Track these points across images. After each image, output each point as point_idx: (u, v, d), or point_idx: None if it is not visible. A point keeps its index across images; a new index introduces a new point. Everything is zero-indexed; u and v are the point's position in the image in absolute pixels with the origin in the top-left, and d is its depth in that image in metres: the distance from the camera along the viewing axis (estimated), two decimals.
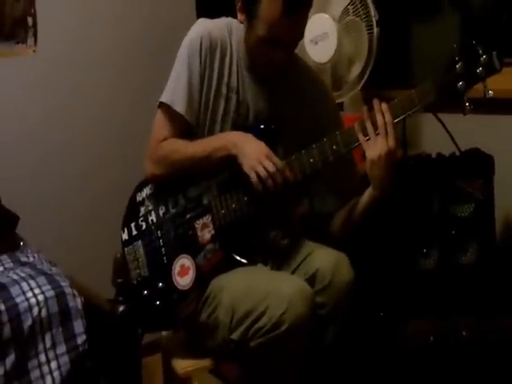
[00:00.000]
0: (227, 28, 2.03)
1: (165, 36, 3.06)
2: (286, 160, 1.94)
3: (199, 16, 3.08)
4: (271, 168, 1.88)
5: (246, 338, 1.85)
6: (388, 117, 1.88)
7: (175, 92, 2.00)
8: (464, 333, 2.22)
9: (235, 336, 1.87)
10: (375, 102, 1.90)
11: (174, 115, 2.01)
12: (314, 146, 1.93)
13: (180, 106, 1.99)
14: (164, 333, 2.21)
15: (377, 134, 1.88)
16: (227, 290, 1.91)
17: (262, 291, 1.84)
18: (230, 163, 1.94)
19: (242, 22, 1.98)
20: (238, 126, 2.03)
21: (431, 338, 2.24)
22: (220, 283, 1.94)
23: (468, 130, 2.42)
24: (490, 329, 2.22)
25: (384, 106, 1.89)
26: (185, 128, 2.02)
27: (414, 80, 2.94)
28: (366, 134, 1.90)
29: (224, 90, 2.03)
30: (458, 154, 2.43)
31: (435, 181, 2.40)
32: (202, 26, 2.02)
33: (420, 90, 1.89)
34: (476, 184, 2.37)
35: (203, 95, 2.01)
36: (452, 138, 2.42)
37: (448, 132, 2.42)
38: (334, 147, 1.92)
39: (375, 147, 1.88)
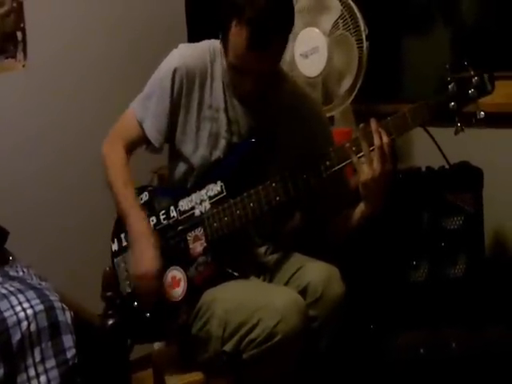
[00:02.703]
0: (209, 51, 2.04)
1: (155, 52, 3.05)
2: (280, 176, 1.94)
3: (190, 30, 3.14)
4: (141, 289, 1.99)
5: (238, 349, 1.85)
6: (385, 138, 1.86)
7: (145, 109, 2.06)
8: (454, 345, 2.22)
9: (228, 348, 1.88)
10: (372, 121, 1.88)
11: (138, 127, 2.07)
12: (306, 162, 1.94)
13: (146, 125, 2.06)
14: (156, 347, 2.20)
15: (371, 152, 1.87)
16: (220, 302, 1.91)
17: (255, 303, 1.84)
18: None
19: (220, 49, 1.99)
20: (232, 145, 2.04)
21: (421, 350, 2.24)
22: (212, 295, 1.94)
23: (457, 144, 2.42)
24: (479, 341, 2.23)
25: (379, 125, 1.88)
26: (140, 146, 2.11)
27: (405, 94, 2.97)
28: (358, 153, 1.89)
29: (207, 113, 2.04)
30: (447, 167, 2.44)
31: (425, 194, 2.41)
32: (179, 55, 2.04)
33: (413, 109, 1.91)
34: (465, 197, 2.38)
35: (179, 122, 2.04)
36: (441, 152, 2.42)
37: (437, 145, 2.43)
38: (328, 163, 1.92)
39: (370, 168, 1.87)
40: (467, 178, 2.40)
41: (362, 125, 1.91)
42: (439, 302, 2.32)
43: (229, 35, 1.86)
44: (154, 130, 2.06)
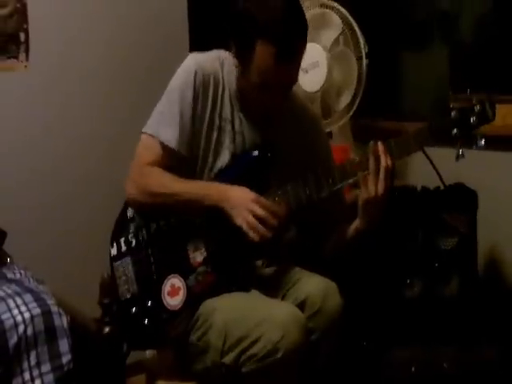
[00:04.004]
0: (219, 61, 2.05)
1: (157, 54, 3.09)
2: (282, 190, 1.96)
3: (192, 42, 3.15)
4: (262, 213, 1.88)
5: (238, 362, 1.85)
6: (389, 160, 1.91)
7: (165, 124, 1.99)
8: (445, 364, 2.25)
9: (227, 360, 1.88)
10: (380, 143, 1.92)
11: (161, 146, 2.00)
12: (309, 177, 1.96)
13: (168, 140, 1.98)
14: (148, 354, 2.20)
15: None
16: (220, 313, 1.91)
17: (256, 317, 1.85)
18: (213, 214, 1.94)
19: (236, 67, 1.98)
20: (235, 156, 2.04)
21: (412, 368, 2.26)
22: (212, 306, 1.94)
23: (452, 164, 2.45)
24: (470, 360, 2.26)
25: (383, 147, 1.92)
26: (172, 161, 2.01)
27: (403, 111, 3.01)
28: (364, 171, 1.92)
29: (217, 121, 2.04)
30: (442, 187, 2.47)
31: (420, 213, 2.44)
32: (195, 61, 2.02)
33: (416, 133, 1.95)
34: (460, 218, 2.42)
35: (195, 128, 2.01)
36: (438, 173, 2.46)
37: (434, 167, 2.46)
38: (331, 180, 1.95)
39: (374, 187, 1.91)
40: (462, 199, 2.44)
41: (371, 144, 1.93)
42: (432, 320, 2.35)
43: (253, 56, 1.87)
44: (183, 142, 2.00)
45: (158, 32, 3.10)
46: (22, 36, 2.80)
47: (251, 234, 1.88)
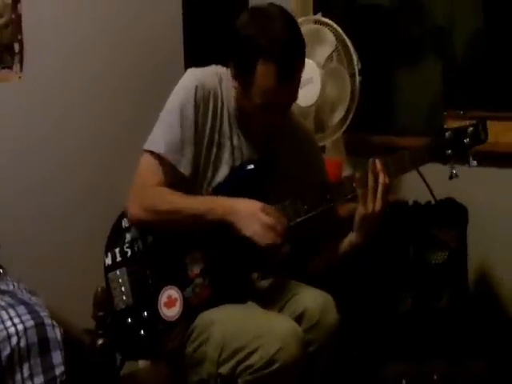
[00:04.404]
0: (217, 77, 2.06)
1: (153, 66, 3.10)
2: (281, 205, 1.97)
3: (187, 55, 3.17)
4: (270, 221, 1.89)
5: (234, 373, 1.86)
6: (387, 178, 1.95)
7: (166, 141, 1.99)
8: (435, 377, 2.26)
9: (223, 370, 1.88)
10: (377, 161, 1.96)
11: (164, 164, 2.00)
12: (307, 193, 1.98)
13: (171, 156, 1.98)
14: (141, 364, 2.20)
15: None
16: (218, 326, 1.91)
17: (254, 329, 1.86)
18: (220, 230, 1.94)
19: (235, 88, 1.99)
20: (232, 170, 2.05)
21: (403, 381, 2.28)
22: (210, 318, 1.95)
23: (444, 180, 2.48)
24: (460, 373, 2.28)
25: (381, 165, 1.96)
26: (175, 178, 2.01)
27: (395, 127, 3.04)
28: (363, 187, 1.96)
29: (217, 137, 2.05)
30: (433, 202, 2.50)
31: (411, 228, 2.47)
32: (194, 77, 2.03)
33: (412, 153, 2.01)
34: (450, 233, 2.45)
35: (197, 145, 2.02)
36: (429, 188, 2.48)
37: (425, 182, 2.48)
38: (328, 196, 1.98)
39: (372, 203, 1.94)
40: (453, 214, 2.46)
41: (370, 161, 1.96)
42: (423, 333, 2.36)
43: (254, 76, 1.89)
44: (188, 162, 2.01)
45: (154, 44, 3.11)
46: (17, 47, 2.80)
47: (262, 242, 1.89)
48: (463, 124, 2.00)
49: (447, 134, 1.98)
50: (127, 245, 2.08)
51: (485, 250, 2.57)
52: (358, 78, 2.72)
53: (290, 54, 1.89)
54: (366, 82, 2.75)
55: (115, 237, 2.11)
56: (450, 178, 2.01)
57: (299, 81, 1.97)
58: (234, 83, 1.99)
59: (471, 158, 2.00)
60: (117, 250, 2.10)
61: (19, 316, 2.04)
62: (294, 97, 1.99)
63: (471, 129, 1.99)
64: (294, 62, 1.91)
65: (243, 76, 1.94)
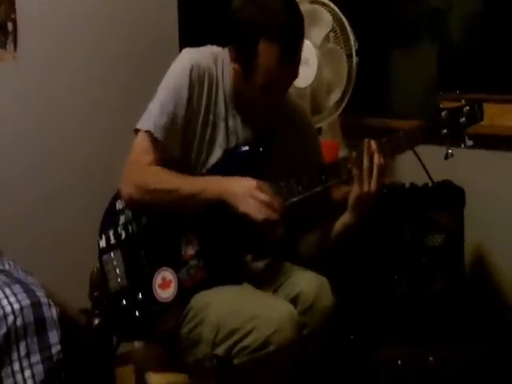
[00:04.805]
0: (212, 57, 2.04)
1: (148, 45, 3.08)
2: (276, 186, 1.96)
3: (182, 36, 3.15)
4: (266, 198, 1.88)
5: (229, 354, 1.86)
6: (382, 158, 1.94)
7: (158, 120, 1.97)
8: (431, 358, 2.27)
9: (219, 351, 1.88)
10: (372, 142, 1.94)
11: (156, 143, 1.98)
12: (302, 174, 1.97)
13: (163, 136, 1.96)
14: (136, 345, 2.19)
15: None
16: (213, 307, 1.91)
17: (250, 311, 1.85)
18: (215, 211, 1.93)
19: (234, 71, 1.98)
20: (226, 152, 2.04)
21: (399, 362, 2.28)
22: (205, 299, 1.94)
23: (440, 162, 2.48)
24: (455, 356, 2.28)
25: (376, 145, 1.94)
26: (167, 156, 2.00)
27: (391, 109, 3.04)
28: (358, 168, 1.94)
29: (211, 118, 2.03)
30: (430, 184, 2.50)
31: (408, 210, 2.46)
32: (190, 56, 2.02)
33: (408, 133, 1.99)
34: (447, 215, 2.45)
35: (190, 124, 2.00)
36: (426, 171, 2.48)
37: (423, 165, 2.48)
38: (323, 177, 1.97)
39: (366, 184, 1.93)
40: (449, 196, 2.46)
41: (365, 141, 1.95)
42: (419, 316, 2.37)
43: (257, 57, 1.88)
44: (175, 142, 2.00)
45: (148, 23, 3.09)
46: (10, 26, 2.78)
47: (259, 217, 1.87)
48: (459, 104, 1.99)
49: (443, 113, 1.97)
50: (121, 227, 2.07)
51: (481, 232, 2.57)
52: (355, 59, 2.71)
53: (292, 32, 1.89)
54: (362, 64, 2.73)
55: (109, 219, 2.10)
56: (446, 157, 1.99)
57: (300, 59, 1.96)
58: (233, 66, 1.97)
59: (467, 138, 1.98)
60: (111, 233, 2.09)
61: (15, 295, 2.04)
62: (296, 76, 1.98)
63: (467, 108, 1.97)
64: (297, 40, 1.91)
65: (245, 57, 1.92)
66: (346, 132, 2.91)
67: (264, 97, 1.95)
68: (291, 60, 1.91)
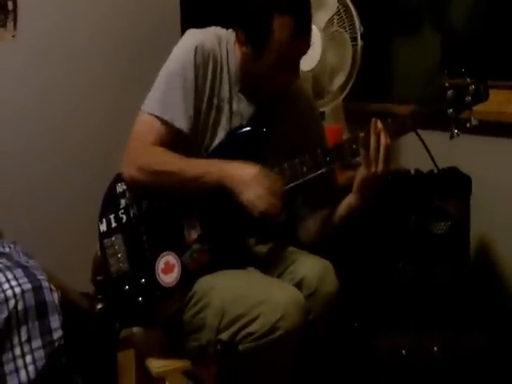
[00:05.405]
0: (217, 38, 2.02)
1: (149, 24, 3.05)
2: (279, 168, 1.94)
3: (184, 18, 3.11)
4: (268, 184, 1.86)
5: (234, 340, 1.84)
6: (388, 138, 1.92)
7: (169, 103, 1.95)
8: (435, 348, 2.25)
9: (223, 337, 1.86)
10: (378, 122, 1.93)
11: (160, 126, 1.95)
12: (306, 155, 1.95)
13: (178, 120, 1.95)
14: (135, 330, 2.17)
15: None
16: (218, 292, 1.89)
17: (255, 296, 1.84)
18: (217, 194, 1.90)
19: (243, 53, 1.97)
20: (229, 133, 2.02)
21: (403, 351, 2.27)
22: (209, 284, 1.92)
23: (446, 148, 2.46)
24: (460, 345, 2.26)
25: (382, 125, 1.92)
26: (173, 140, 1.97)
27: (395, 94, 3.01)
28: (364, 148, 1.92)
29: (215, 101, 2.01)
30: (436, 171, 2.47)
31: (413, 197, 2.43)
32: (195, 38, 1.99)
33: (412, 112, 1.97)
34: (453, 203, 2.42)
35: (196, 107, 1.98)
36: (431, 157, 2.45)
37: (428, 151, 2.45)
38: (328, 158, 1.94)
39: (374, 164, 1.91)
40: (456, 184, 2.43)
41: (372, 121, 1.93)
42: (423, 305, 2.35)
43: (271, 33, 1.87)
44: (185, 118, 1.96)
45: (150, 3, 3.06)
46: (10, 5, 2.76)
47: (261, 207, 1.85)
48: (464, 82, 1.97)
49: (449, 92, 1.95)
50: (122, 211, 2.05)
51: (487, 220, 2.55)
52: (359, 42, 2.68)
53: (305, 6, 1.91)
54: (367, 49, 2.70)
55: (109, 203, 2.07)
56: (451, 137, 1.98)
57: (311, 32, 1.96)
58: (242, 49, 1.96)
59: (472, 117, 1.97)
60: (112, 217, 2.06)
61: (16, 279, 2.00)
62: (307, 49, 1.97)
63: (473, 87, 1.96)
64: (309, 14, 1.92)
65: (257, 36, 1.90)
66: (350, 117, 2.88)
67: (276, 75, 1.94)
68: (304, 33, 1.91)
